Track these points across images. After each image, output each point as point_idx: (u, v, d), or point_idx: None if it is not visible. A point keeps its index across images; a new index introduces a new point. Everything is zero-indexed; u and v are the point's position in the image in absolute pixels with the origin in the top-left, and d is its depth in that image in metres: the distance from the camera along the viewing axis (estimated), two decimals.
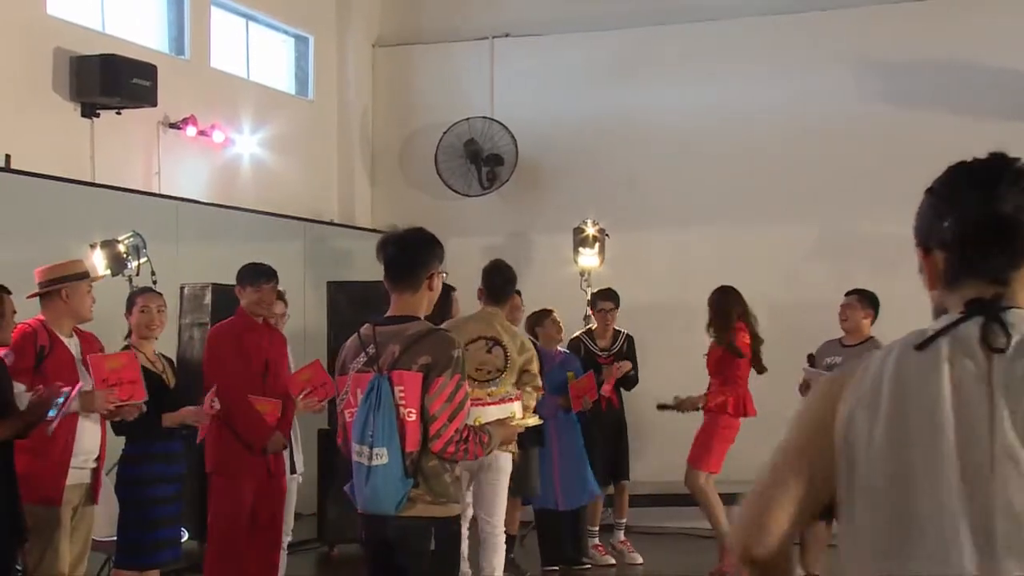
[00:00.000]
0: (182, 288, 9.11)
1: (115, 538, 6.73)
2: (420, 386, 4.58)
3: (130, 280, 8.09)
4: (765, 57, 11.41)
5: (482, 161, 12.04)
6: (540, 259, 11.67)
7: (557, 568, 9.24)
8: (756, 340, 8.80)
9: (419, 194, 12.43)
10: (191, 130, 10.28)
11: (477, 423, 5.12)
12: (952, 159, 2.11)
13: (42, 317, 6.32)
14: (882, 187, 10.33)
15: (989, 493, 1.88)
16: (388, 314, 4.80)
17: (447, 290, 5.12)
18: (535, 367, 7.30)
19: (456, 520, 4.82)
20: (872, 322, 8.33)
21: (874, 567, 1.96)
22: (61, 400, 5.74)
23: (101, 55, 9.32)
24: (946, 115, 10.55)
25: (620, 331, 9.75)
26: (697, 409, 8.88)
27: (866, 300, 8.37)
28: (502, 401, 6.84)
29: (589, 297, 10.32)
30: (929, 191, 2.10)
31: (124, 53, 9.50)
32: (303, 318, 9.96)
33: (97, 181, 9.35)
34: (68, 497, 6.23)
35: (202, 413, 6.68)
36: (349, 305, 9.57)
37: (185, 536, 7.46)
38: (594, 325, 9.80)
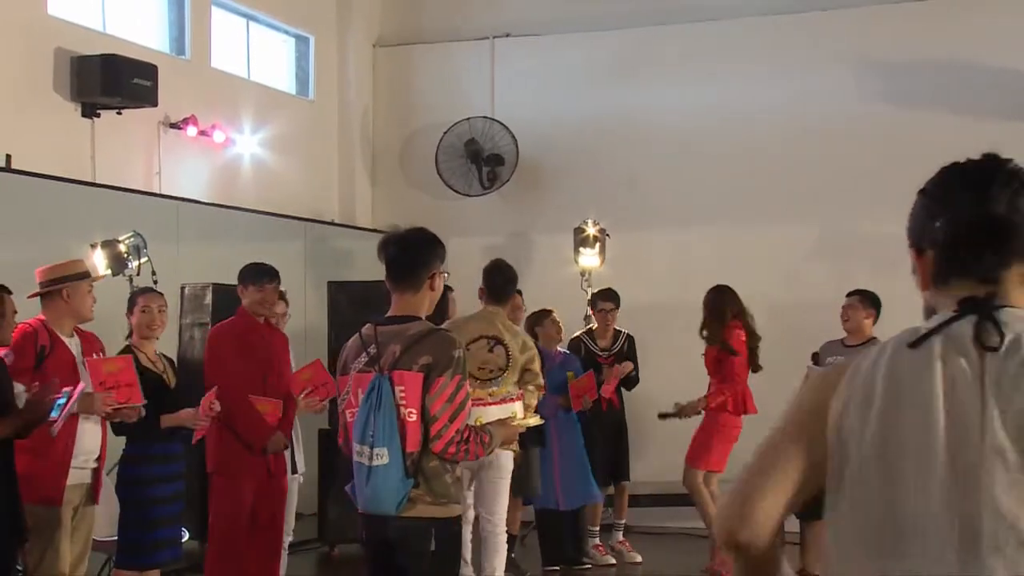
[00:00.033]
0: (183, 288, 9.11)
1: (115, 538, 6.74)
2: (421, 386, 4.58)
3: (131, 280, 8.09)
4: (765, 57, 11.41)
5: (483, 161, 12.04)
6: (540, 259, 11.66)
7: (558, 568, 9.24)
8: (753, 338, 8.80)
9: (420, 194, 12.43)
10: (192, 130, 10.28)
11: (478, 423, 5.12)
12: (952, 159, 2.11)
13: (43, 317, 6.32)
14: (882, 187, 10.30)
15: (978, 491, 1.88)
16: (389, 314, 4.80)
17: (444, 290, 5.13)
18: (537, 366, 7.31)
19: (457, 521, 4.82)
20: (874, 322, 8.34)
21: (869, 565, 1.96)
22: (63, 400, 5.75)
23: (102, 55, 9.32)
24: (946, 115, 10.54)
25: (620, 331, 9.75)
26: (699, 413, 8.89)
27: (868, 301, 8.38)
28: (503, 401, 6.85)
29: (589, 297, 10.32)
30: (922, 192, 2.11)
31: (125, 53, 9.50)
32: (304, 318, 9.95)
33: (98, 181, 9.35)
34: (69, 497, 6.24)
35: (199, 416, 6.68)
36: (350, 305, 9.57)
37: (186, 536, 7.47)
38: (594, 325, 9.80)
